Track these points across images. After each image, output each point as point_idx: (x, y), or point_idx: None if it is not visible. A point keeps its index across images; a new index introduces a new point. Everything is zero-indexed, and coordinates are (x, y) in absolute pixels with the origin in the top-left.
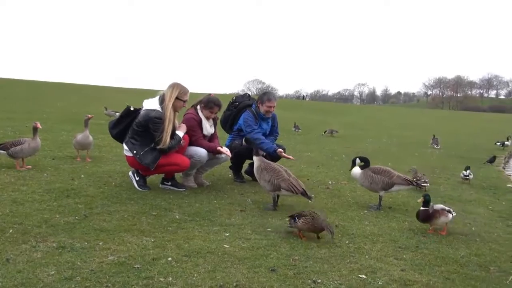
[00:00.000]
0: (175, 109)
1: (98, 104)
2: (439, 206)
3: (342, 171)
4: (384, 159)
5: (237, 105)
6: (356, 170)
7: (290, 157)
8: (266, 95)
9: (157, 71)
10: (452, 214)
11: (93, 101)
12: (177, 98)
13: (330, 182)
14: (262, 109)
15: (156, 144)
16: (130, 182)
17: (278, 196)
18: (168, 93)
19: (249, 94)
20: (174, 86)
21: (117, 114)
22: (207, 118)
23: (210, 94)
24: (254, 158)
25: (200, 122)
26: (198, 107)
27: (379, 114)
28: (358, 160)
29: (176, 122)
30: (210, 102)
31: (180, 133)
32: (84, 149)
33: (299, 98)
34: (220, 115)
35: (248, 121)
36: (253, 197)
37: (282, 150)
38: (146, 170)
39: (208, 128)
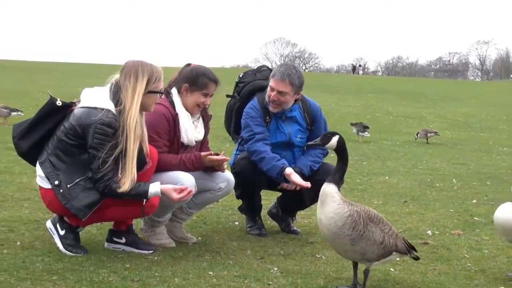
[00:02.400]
0: (145, 108)
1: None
2: None
3: (452, 211)
4: None
5: (242, 88)
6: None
7: (306, 184)
8: (276, 69)
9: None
10: None
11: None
12: (149, 91)
13: (429, 232)
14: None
15: (92, 177)
16: (49, 240)
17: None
18: (129, 84)
19: (267, 67)
20: (139, 68)
21: (20, 113)
22: (193, 112)
23: (189, 65)
24: (333, 193)
25: (173, 121)
26: (174, 91)
27: None
28: None
29: (146, 138)
30: (199, 77)
31: (155, 186)
32: None
33: (354, 71)
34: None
35: (248, 118)
36: (283, 264)
37: (292, 171)
38: (77, 217)
39: (191, 131)
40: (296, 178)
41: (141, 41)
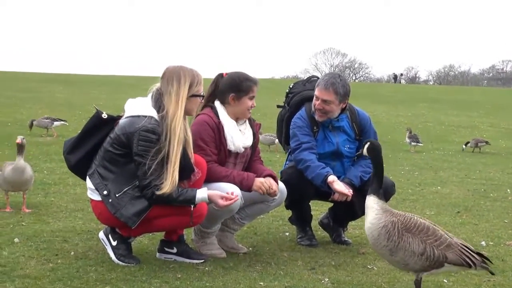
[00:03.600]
0: (188, 112)
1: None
2: None
3: (507, 222)
4: None
5: (292, 98)
6: None
7: (349, 192)
8: (321, 78)
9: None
10: None
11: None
12: (192, 95)
13: (483, 243)
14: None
15: (140, 184)
16: (102, 250)
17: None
18: (173, 88)
19: (317, 77)
20: (182, 73)
21: (61, 123)
22: (244, 116)
23: (221, 75)
24: (373, 204)
25: (217, 128)
26: (217, 103)
27: None
28: None
29: (191, 143)
30: (243, 82)
31: (202, 192)
32: (17, 190)
33: (396, 80)
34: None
35: (295, 128)
36: (334, 275)
37: (335, 178)
38: (127, 228)
39: (237, 137)
40: (338, 186)
41: (186, 52)
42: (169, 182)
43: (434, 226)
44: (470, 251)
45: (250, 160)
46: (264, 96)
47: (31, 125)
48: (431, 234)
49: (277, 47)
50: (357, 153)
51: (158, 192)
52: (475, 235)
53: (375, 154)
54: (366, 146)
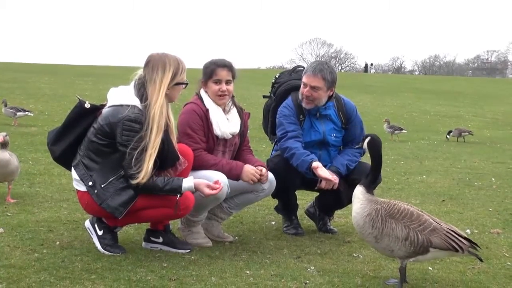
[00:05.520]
0: (171, 99)
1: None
2: None
3: (491, 210)
4: None
5: (277, 88)
6: None
7: (333, 178)
8: (308, 65)
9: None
10: None
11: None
12: (177, 83)
13: (468, 231)
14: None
15: (125, 174)
16: (88, 239)
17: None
18: (157, 76)
19: (302, 67)
20: (166, 60)
21: (26, 113)
22: (218, 103)
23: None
24: (360, 195)
25: (205, 116)
26: (202, 91)
27: None
28: None
29: (174, 130)
30: (207, 67)
31: (188, 181)
32: (2, 181)
33: (366, 70)
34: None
35: (281, 117)
36: (320, 264)
37: (319, 165)
38: (114, 218)
39: (223, 123)
40: (322, 172)
41: (174, 41)
42: (144, 171)
43: (420, 212)
44: (456, 236)
45: (239, 150)
46: (250, 86)
47: (5, 105)
48: (415, 219)
49: (263, 37)
50: (357, 146)
51: (133, 182)
52: (460, 223)
53: (375, 149)
54: (367, 140)
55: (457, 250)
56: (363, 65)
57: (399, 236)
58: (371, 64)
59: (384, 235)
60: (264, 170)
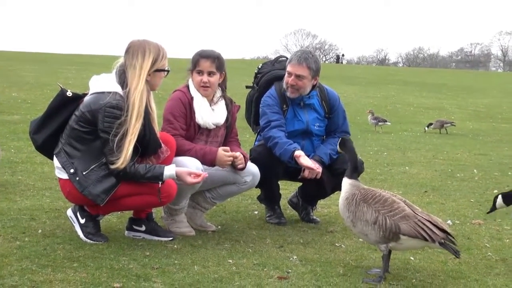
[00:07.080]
0: (152, 87)
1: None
2: None
3: (473, 201)
4: None
5: (260, 79)
6: None
7: (314, 166)
8: (292, 54)
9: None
10: None
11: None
12: (157, 69)
13: (449, 221)
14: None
15: (106, 161)
16: (70, 228)
17: (390, 252)
18: (137, 62)
19: (285, 57)
20: (146, 46)
21: None
22: (203, 94)
23: None
24: (345, 182)
25: (189, 104)
26: (190, 80)
27: None
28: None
29: (155, 118)
30: (193, 58)
31: (170, 169)
32: None
33: (338, 60)
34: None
35: (265, 106)
36: (302, 253)
37: (302, 153)
38: (96, 206)
39: (206, 113)
40: (304, 160)
41: (159, 31)
42: (123, 156)
43: (397, 200)
44: (428, 225)
45: (226, 141)
46: (234, 77)
47: None
48: (387, 205)
49: (248, 28)
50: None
51: (112, 167)
52: (442, 214)
53: (347, 149)
54: (338, 142)
55: (426, 240)
56: (349, 57)
57: (369, 220)
58: (343, 55)
59: (357, 219)
60: (238, 154)
